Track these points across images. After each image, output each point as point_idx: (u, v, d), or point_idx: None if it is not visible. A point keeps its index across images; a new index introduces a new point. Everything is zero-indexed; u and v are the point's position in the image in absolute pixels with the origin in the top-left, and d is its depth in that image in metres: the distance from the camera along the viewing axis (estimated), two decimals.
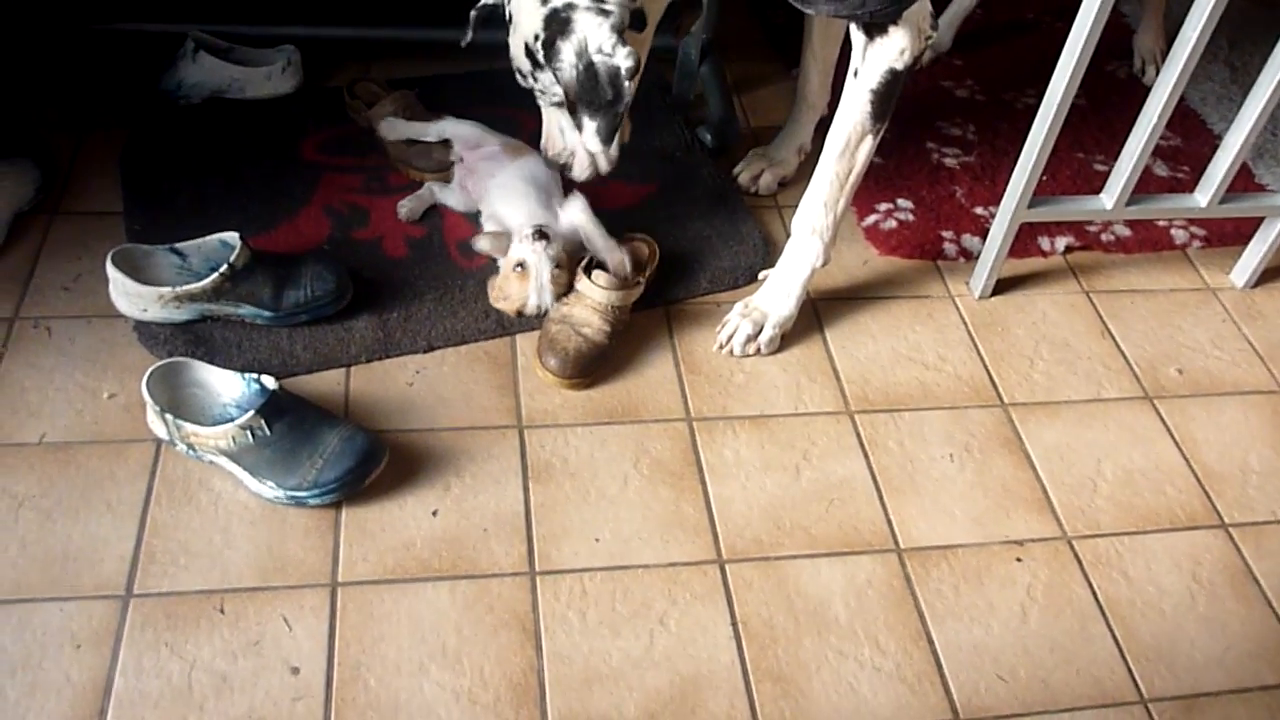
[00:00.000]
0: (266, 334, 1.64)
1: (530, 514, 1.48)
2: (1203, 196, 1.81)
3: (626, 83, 1.46)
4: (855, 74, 1.56)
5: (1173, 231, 2.03)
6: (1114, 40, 2.54)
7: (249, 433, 1.42)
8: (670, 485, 1.53)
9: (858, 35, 1.52)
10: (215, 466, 1.47)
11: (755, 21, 2.51)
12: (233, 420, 1.42)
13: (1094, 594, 1.46)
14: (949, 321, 1.83)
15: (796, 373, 1.72)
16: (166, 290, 1.60)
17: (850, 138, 1.61)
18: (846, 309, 1.83)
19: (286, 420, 1.44)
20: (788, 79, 2.10)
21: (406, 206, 1.86)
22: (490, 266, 1.75)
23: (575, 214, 1.70)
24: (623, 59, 1.44)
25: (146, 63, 2.03)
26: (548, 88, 1.56)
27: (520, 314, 1.69)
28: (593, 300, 1.66)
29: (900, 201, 2.02)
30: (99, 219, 1.82)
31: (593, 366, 1.64)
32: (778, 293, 1.74)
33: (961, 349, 1.78)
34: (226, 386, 1.51)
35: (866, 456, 1.60)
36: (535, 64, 1.53)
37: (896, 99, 1.58)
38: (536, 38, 1.49)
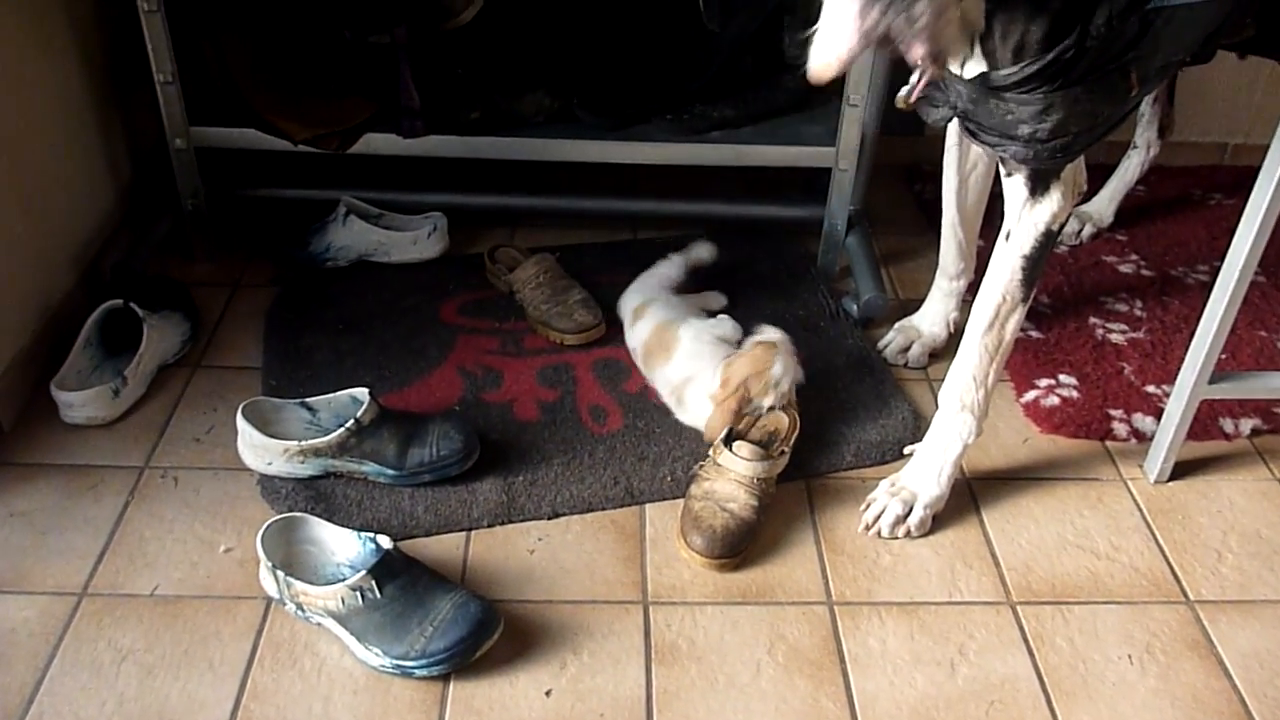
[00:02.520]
0: (388, 493, 1.59)
1: (652, 700, 1.34)
2: None
3: None
4: (1008, 236, 1.48)
5: None
6: None
7: (359, 594, 1.34)
8: (808, 676, 1.38)
9: (1018, 193, 1.44)
10: (323, 629, 1.40)
11: (906, 194, 2.46)
12: (344, 580, 1.35)
13: None
14: (1121, 507, 1.65)
15: (950, 556, 1.56)
16: (292, 444, 1.57)
17: (1000, 308, 1.51)
18: (1005, 490, 1.68)
19: (399, 583, 1.36)
20: (937, 249, 2.02)
21: None
22: (619, 434, 1.68)
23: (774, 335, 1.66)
24: None
25: (299, 225, 2.09)
26: None
27: (736, 418, 1.61)
28: (736, 474, 1.55)
29: (1063, 378, 1.88)
30: (238, 373, 1.83)
31: (741, 544, 1.53)
32: (927, 471, 1.61)
33: (1137, 537, 1.60)
34: (342, 545, 1.45)
35: (1032, 654, 1.42)
36: None
37: (1044, 267, 1.49)
38: None
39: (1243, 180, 2.45)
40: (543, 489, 1.62)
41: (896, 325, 1.95)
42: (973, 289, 1.83)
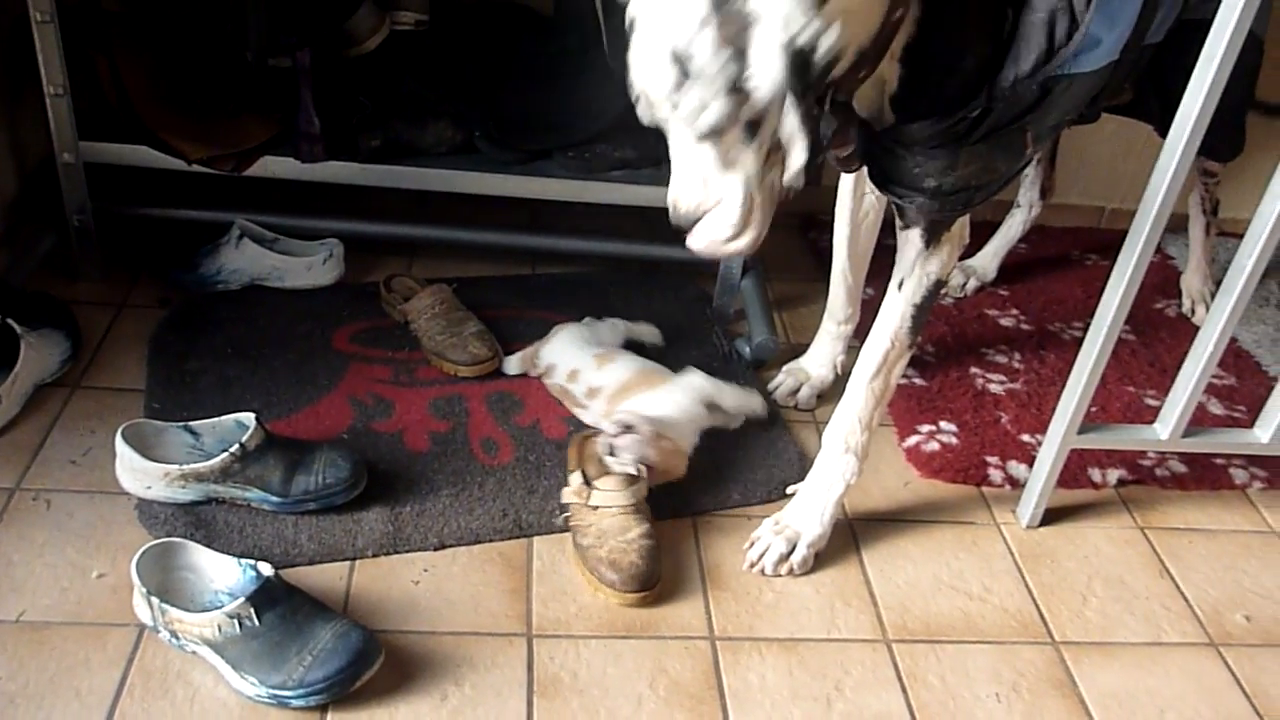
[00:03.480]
0: (271, 520, 1.56)
1: None
2: (1264, 432, 1.72)
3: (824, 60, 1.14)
4: (900, 285, 1.53)
5: (1231, 470, 1.93)
6: (1163, 280, 2.53)
7: (236, 622, 1.31)
8: (688, 710, 1.39)
9: (914, 245, 1.50)
10: (197, 658, 1.36)
11: (801, 242, 2.53)
12: (221, 608, 1.32)
13: None
14: (995, 551, 1.71)
15: (830, 594, 1.60)
16: (173, 468, 1.53)
17: (888, 354, 1.56)
18: (885, 531, 1.72)
19: (278, 611, 1.34)
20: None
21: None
22: (510, 466, 1.69)
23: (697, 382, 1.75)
24: (829, 35, 1.12)
25: (190, 247, 2.05)
26: (703, 105, 1.15)
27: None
28: (620, 506, 1.57)
29: (943, 424, 1.94)
30: (120, 395, 1.78)
31: (658, 571, 1.55)
32: (810, 511, 1.64)
33: (1008, 580, 1.66)
34: (221, 572, 1.42)
35: (905, 691, 1.46)
36: (685, 74, 1.14)
37: (929, 315, 1.56)
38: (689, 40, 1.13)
39: (1118, 242, 2.58)
40: (430, 519, 1.61)
41: (785, 368, 2.00)
42: (859, 333, 1.90)
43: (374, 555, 1.55)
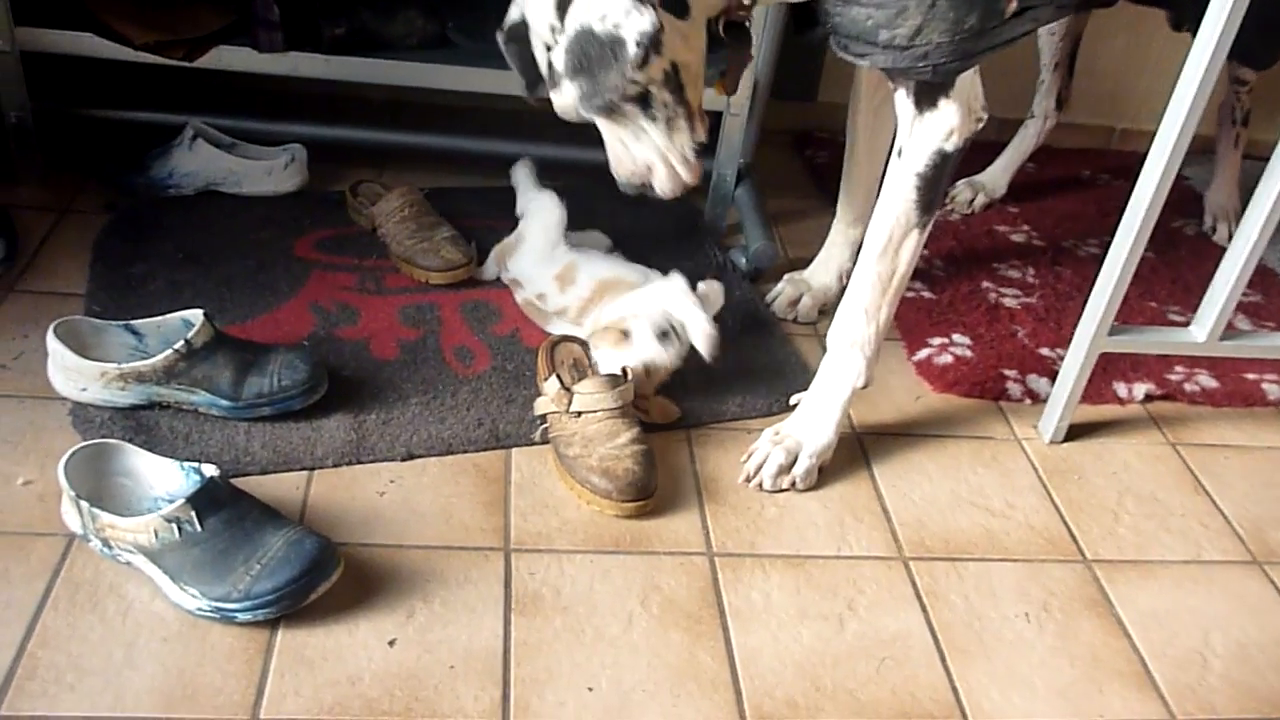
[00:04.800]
0: (221, 426, 1.41)
1: (510, 652, 1.19)
2: None
3: (632, 50, 1.22)
4: (899, 154, 1.39)
5: (1264, 385, 1.79)
6: (1176, 198, 2.38)
7: (175, 526, 1.16)
8: (685, 629, 1.25)
9: (905, 108, 1.36)
10: (132, 569, 1.21)
11: (797, 159, 2.38)
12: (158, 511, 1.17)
13: None
14: (1016, 466, 1.57)
15: (839, 510, 1.45)
16: (110, 367, 1.38)
17: (893, 232, 1.42)
18: (896, 446, 1.58)
19: (223, 516, 1.18)
20: (828, 214, 1.94)
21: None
22: (486, 375, 1.54)
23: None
24: (632, 24, 1.21)
25: (140, 149, 1.89)
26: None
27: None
28: (606, 409, 1.42)
29: (956, 337, 1.80)
30: (60, 299, 1.62)
31: (654, 479, 1.41)
32: (814, 418, 1.50)
33: (1032, 496, 1.52)
34: (161, 478, 1.27)
35: (925, 610, 1.32)
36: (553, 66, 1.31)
37: (944, 190, 1.41)
38: (553, 29, 1.28)
39: (1129, 164, 2.42)
40: (397, 428, 1.46)
41: (785, 277, 1.85)
42: None
43: (334, 465, 1.40)
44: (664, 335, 1.52)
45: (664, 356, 1.51)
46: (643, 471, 1.39)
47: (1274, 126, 2.18)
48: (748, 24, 1.41)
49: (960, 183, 2.25)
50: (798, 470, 1.47)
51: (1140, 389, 1.74)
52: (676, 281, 1.57)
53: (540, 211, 1.74)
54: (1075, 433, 1.64)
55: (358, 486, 1.38)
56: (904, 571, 1.37)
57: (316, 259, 1.78)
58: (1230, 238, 2.17)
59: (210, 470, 1.21)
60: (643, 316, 1.53)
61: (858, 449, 1.56)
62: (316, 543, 1.20)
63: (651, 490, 1.40)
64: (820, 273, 1.83)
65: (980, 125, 1.39)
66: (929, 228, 1.43)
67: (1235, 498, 1.57)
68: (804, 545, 1.39)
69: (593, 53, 1.24)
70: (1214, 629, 1.34)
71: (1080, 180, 2.45)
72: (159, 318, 1.46)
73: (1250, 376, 1.81)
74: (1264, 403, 1.78)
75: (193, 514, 1.16)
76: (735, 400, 1.60)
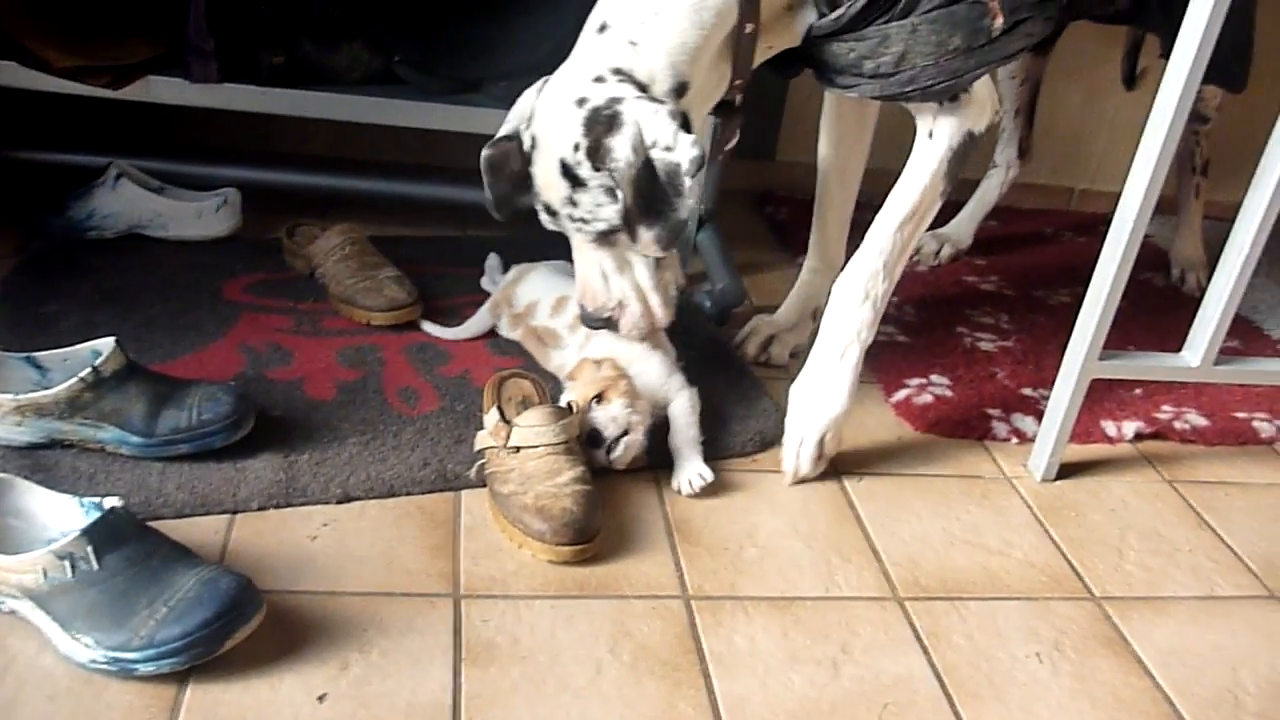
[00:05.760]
0: (132, 467, 1.25)
1: (460, 706, 1.03)
2: None
3: (688, 181, 1.21)
4: (930, 135, 1.36)
5: (1255, 423, 1.70)
6: (1141, 255, 2.33)
7: (68, 564, 1.00)
8: (661, 677, 1.10)
9: (925, 112, 1.35)
10: (16, 618, 1.04)
11: (758, 217, 2.30)
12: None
13: None
14: (1009, 504, 1.46)
15: (825, 550, 1.32)
16: (5, 398, 1.22)
17: (923, 196, 1.38)
18: (880, 485, 1.46)
19: (124, 553, 1.02)
20: (792, 266, 1.86)
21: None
22: (433, 415, 1.40)
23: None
24: (686, 151, 1.20)
25: (58, 188, 1.75)
26: (592, 214, 1.28)
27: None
28: (547, 444, 1.29)
29: (934, 377, 1.70)
30: None
31: (597, 521, 1.26)
32: (824, 384, 1.42)
33: (1030, 534, 1.40)
34: (58, 516, 1.10)
35: (927, 652, 1.18)
36: (575, 183, 1.26)
37: (964, 167, 1.40)
38: (577, 147, 1.24)
39: (1090, 224, 2.42)
40: (332, 469, 1.31)
41: (755, 319, 1.74)
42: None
43: (260, 508, 1.25)
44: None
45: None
46: (582, 513, 1.24)
47: (1228, 188, 2.17)
48: (737, 100, 1.37)
49: (924, 235, 2.18)
50: (828, 449, 1.43)
51: (1130, 427, 1.64)
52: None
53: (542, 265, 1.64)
54: (1066, 471, 1.53)
55: (286, 530, 1.22)
56: (900, 612, 1.24)
57: (247, 301, 1.65)
58: (1199, 287, 2.15)
59: (112, 501, 1.05)
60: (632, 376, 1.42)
61: (838, 487, 1.44)
62: (234, 581, 1.04)
63: (592, 534, 1.25)
64: (792, 313, 1.73)
65: (999, 118, 1.43)
66: (948, 194, 1.41)
67: (1241, 533, 1.46)
68: (789, 587, 1.25)
69: (656, 189, 1.22)
70: (1242, 666, 1.22)
71: (1043, 236, 2.41)
72: (65, 349, 1.31)
73: (1240, 415, 1.72)
74: (1256, 440, 1.69)
75: (89, 550, 1.00)
76: (706, 442, 1.47)
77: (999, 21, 1.27)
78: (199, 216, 1.77)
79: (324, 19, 1.74)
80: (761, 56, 1.35)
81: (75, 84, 1.66)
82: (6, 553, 1.04)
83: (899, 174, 1.40)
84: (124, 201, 1.73)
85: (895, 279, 1.42)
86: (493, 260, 1.73)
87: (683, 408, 1.44)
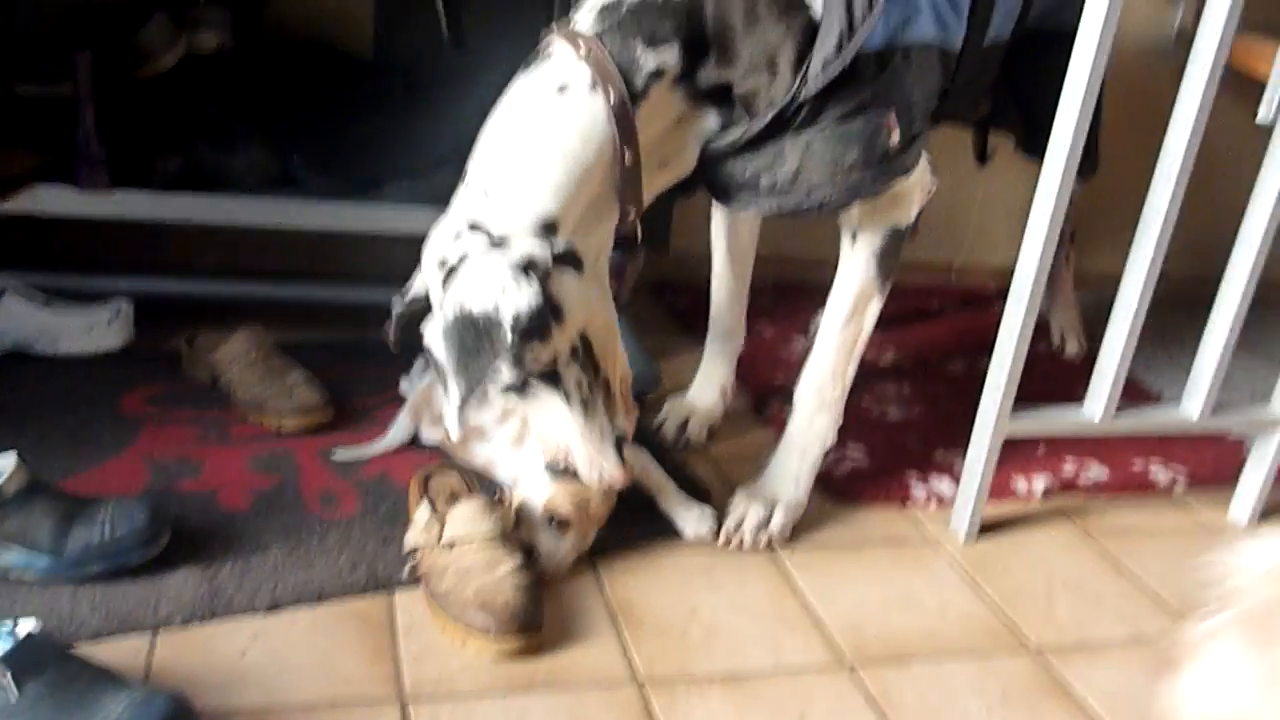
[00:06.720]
0: (40, 592, 1.18)
1: None
2: (1193, 405, 1.59)
3: (509, 336, 1.12)
4: (853, 239, 1.40)
5: (1152, 471, 1.78)
6: None
7: None
8: None
9: (848, 216, 1.40)
10: None
11: (656, 306, 2.33)
12: None
13: None
14: (938, 565, 1.48)
15: (769, 623, 1.32)
16: None
17: (856, 300, 1.43)
18: (813, 556, 1.47)
19: (46, 679, 0.96)
20: (696, 350, 1.89)
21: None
22: (357, 518, 1.36)
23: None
24: (511, 300, 1.11)
25: None
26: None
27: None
28: (483, 536, 1.26)
29: (850, 448, 1.73)
30: None
31: (541, 610, 1.24)
32: (786, 476, 1.48)
33: (963, 592, 1.43)
34: None
35: (883, 716, 1.18)
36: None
37: (898, 258, 1.44)
38: (440, 304, 1.19)
39: (972, 297, 2.53)
40: (258, 578, 1.25)
41: (668, 401, 1.76)
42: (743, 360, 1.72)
43: (183, 623, 1.18)
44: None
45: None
46: (525, 603, 1.22)
47: (1091, 256, 2.31)
48: (637, 232, 1.32)
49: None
50: (775, 525, 1.45)
51: (1039, 482, 1.70)
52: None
53: None
54: (986, 529, 1.57)
55: (214, 645, 1.16)
56: (850, 679, 1.24)
57: (148, 413, 1.58)
58: (1079, 349, 2.26)
59: (29, 625, 0.98)
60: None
61: (772, 563, 1.44)
62: (167, 701, 0.98)
63: (538, 624, 1.22)
64: (704, 393, 1.74)
65: (930, 195, 1.43)
66: (889, 288, 1.45)
67: (1158, 576, 1.52)
68: (739, 662, 1.24)
69: (469, 341, 1.13)
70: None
71: (930, 311, 2.49)
72: None
73: (1137, 465, 1.80)
74: (1154, 489, 1.76)
75: (8, 678, 0.94)
76: (638, 523, 1.46)
77: (895, 138, 1.28)
78: (90, 330, 1.70)
79: (221, 121, 1.71)
80: (661, 184, 1.32)
81: None
82: None
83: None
84: (9, 318, 1.65)
85: (849, 380, 1.48)
86: (418, 365, 1.69)
87: (651, 475, 1.49)
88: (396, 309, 1.29)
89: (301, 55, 1.93)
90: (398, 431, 1.57)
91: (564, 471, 1.32)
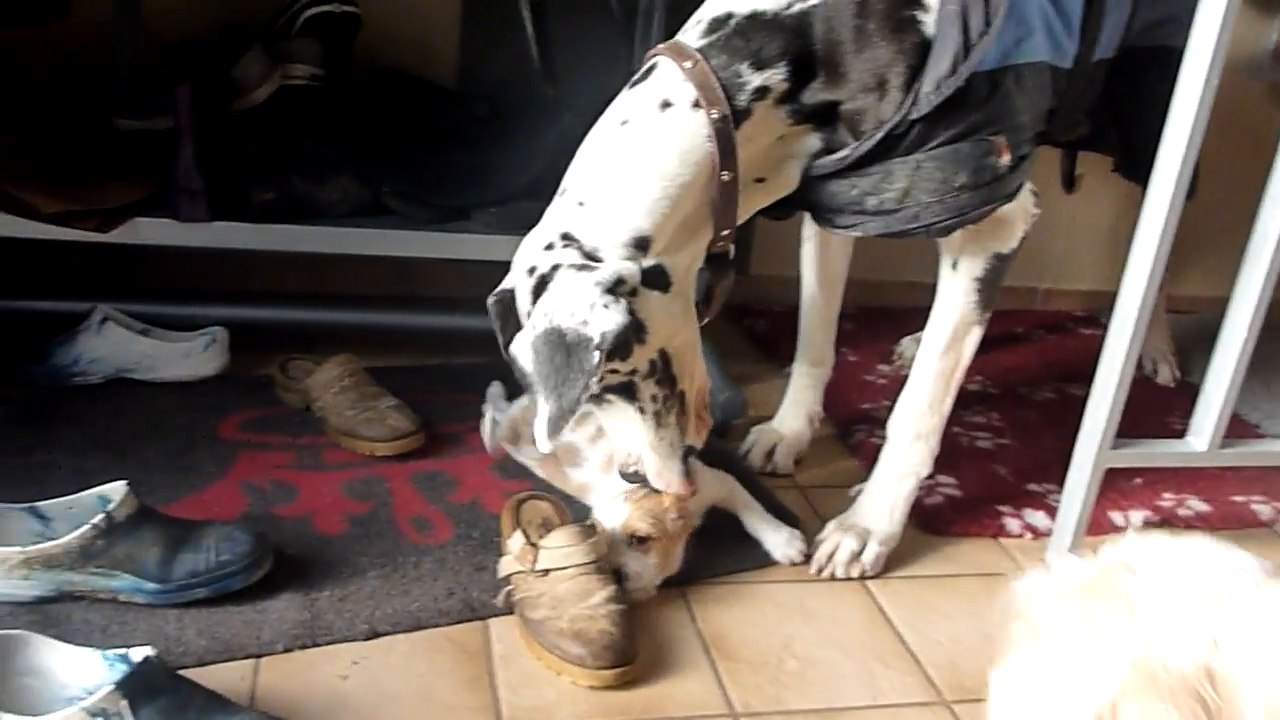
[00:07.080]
0: (147, 616, 1.20)
1: None
2: None
3: (596, 356, 1.11)
4: (954, 265, 1.38)
5: (1254, 506, 1.73)
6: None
7: None
8: None
9: (951, 240, 1.37)
10: None
11: (737, 330, 2.32)
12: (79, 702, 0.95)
13: None
14: None
15: (864, 658, 1.30)
16: (12, 551, 1.17)
17: (956, 329, 1.41)
18: (905, 588, 1.45)
19: (160, 705, 0.97)
20: (778, 375, 1.88)
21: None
22: (450, 544, 1.37)
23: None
24: (599, 322, 1.11)
25: (40, 335, 1.71)
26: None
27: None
28: (577, 565, 1.26)
29: (941, 478, 1.70)
30: None
31: (635, 643, 1.23)
32: (877, 508, 1.46)
33: None
34: (78, 672, 1.05)
35: None
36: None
37: (999, 288, 1.42)
38: (528, 314, 1.20)
39: (1058, 322, 2.48)
40: (356, 604, 1.27)
41: (754, 429, 1.75)
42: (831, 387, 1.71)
43: (285, 649, 1.20)
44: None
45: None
46: (620, 634, 1.21)
47: (1185, 283, 2.26)
48: (729, 251, 1.33)
49: (906, 339, 2.22)
50: (867, 557, 1.44)
51: (1137, 516, 1.66)
52: None
53: None
54: None
55: (315, 671, 1.17)
56: (950, 716, 1.21)
57: (244, 439, 1.61)
58: (1172, 377, 2.21)
59: (144, 651, 1.00)
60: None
61: (865, 595, 1.42)
62: None
63: (632, 656, 1.22)
64: (791, 420, 1.73)
65: (1033, 222, 1.40)
66: (989, 316, 1.43)
67: None
68: (835, 697, 1.22)
69: (558, 359, 1.13)
70: None
71: (1016, 336, 2.45)
72: (68, 497, 1.27)
73: (1238, 498, 1.75)
74: (1258, 523, 1.71)
75: (124, 704, 0.95)
76: (729, 554, 1.46)
77: (1005, 159, 1.26)
78: (187, 357, 1.74)
79: (311, 152, 1.75)
80: (757, 203, 1.31)
81: (61, 229, 1.63)
82: (27, 714, 0.98)
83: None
84: (110, 345, 1.69)
85: (946, 411, 1.46)
86: (495, 388, 1.70)
87: (738, 498, 1.49)
88: (491, 299, 1.28)
89: (388, 85, 1.97)
90: (491, 434, 1.61)
91: (636, 493, 1.34)
